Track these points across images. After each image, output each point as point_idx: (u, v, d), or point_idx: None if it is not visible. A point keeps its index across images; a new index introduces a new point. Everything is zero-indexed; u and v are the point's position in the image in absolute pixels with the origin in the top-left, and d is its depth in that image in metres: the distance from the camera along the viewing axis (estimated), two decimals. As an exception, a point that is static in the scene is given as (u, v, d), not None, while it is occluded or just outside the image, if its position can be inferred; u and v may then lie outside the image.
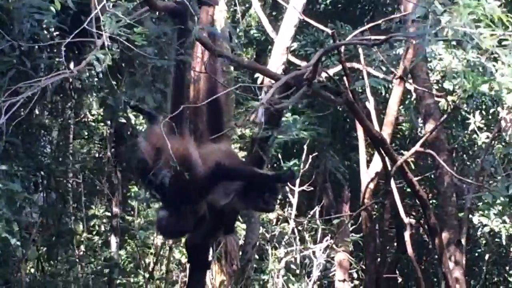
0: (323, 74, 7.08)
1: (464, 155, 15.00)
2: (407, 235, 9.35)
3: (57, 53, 7.87)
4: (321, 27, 7.51)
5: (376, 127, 9.19)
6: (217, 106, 6.60)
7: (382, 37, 5.80)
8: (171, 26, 6.22)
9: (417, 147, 7.56)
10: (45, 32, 7.08)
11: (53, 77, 4.72)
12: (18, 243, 8.52)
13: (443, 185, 10.20)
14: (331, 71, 8.42)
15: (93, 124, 12.50)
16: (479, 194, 10.17)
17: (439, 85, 11.81)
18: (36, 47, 7.47)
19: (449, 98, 9.55)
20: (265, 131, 6.84)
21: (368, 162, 10.80)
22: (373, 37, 6.01)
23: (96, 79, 9.27)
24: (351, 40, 6.40)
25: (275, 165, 12.95)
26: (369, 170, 10.15)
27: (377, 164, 10.07)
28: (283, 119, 11.29)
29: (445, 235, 9.79)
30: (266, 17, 11.26)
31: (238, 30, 12.37)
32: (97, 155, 13.05)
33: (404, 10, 10.54)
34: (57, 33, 7.82)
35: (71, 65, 8.16)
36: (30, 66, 6.82)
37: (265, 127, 6.79)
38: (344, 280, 10.73)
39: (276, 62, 8.35)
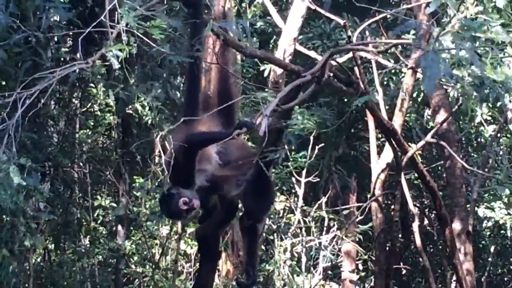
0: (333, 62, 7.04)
1: (469, 147, 14.99)
2: (415, 226, 9.36)
3: (67, 46, 7.85)
4: (333, 17, 7.47)
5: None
6: (228, 96, 6.58)
7: (393, 41, 5.86)
8: (182, 20, 6.14)
9: (428, 137, 7.58)
10: (58, 24, 7.04)
11: (69, 68, 4.67)
12: (29, 235, 8.50)
13: (453, 176, 10.15)
14: (341, 60, 8.36)
15: (99, 114, 12.48)
16: (488, 186, 10.14)
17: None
18: (46, 40, 7.42)
19: (458, 85, 9.51)
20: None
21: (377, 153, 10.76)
22: (380, 41, 6.02)
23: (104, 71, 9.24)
24: (359, 45, 6.39)
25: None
26: (380, 161, 10.13)
27: (388, 154, 10.05)
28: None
29: (454, 226, 9.75)
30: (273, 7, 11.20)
31: (244, 20, 12.31)
32: (103, 145, 13.04)
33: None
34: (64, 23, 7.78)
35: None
36: (45, 57, 6.78)
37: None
38: (353, 271, 10.71)
39: (283, 53, 8.34)
